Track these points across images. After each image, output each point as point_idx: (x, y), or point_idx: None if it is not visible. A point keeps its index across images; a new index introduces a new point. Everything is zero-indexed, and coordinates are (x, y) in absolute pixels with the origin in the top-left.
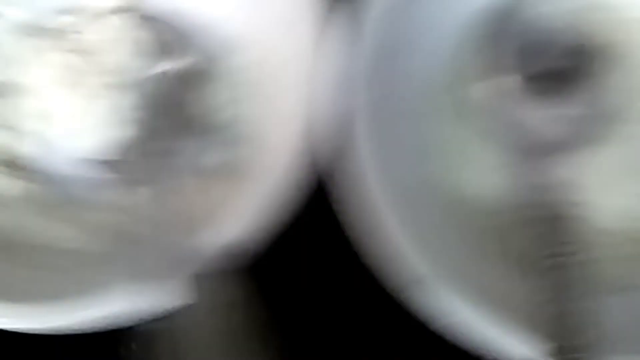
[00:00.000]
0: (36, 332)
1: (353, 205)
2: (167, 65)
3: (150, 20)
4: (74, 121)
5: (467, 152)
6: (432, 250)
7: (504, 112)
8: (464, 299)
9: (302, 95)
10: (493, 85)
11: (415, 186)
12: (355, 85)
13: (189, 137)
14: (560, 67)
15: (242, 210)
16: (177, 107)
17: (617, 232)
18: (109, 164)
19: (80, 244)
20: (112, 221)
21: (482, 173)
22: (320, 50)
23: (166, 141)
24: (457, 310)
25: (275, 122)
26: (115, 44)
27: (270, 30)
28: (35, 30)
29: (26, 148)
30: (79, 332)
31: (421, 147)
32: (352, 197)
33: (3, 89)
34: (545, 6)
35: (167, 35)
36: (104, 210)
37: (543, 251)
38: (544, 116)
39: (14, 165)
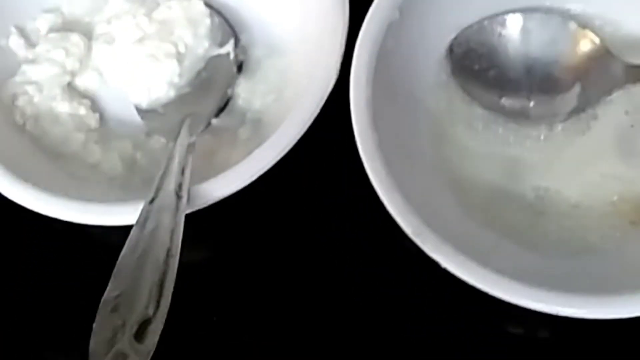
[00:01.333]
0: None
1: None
2: (217, 51)
3: (214, 11)
4: (134, 73)
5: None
6: (427, 211)
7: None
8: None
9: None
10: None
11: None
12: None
13: (216, 110)
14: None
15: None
16: (214, 85)
17: (585, 205)
18: (147, 112)
19: (106, 164)
20: (132, 154)
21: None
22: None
23: (197, 107)
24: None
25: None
26: (183, 23)
27: (308, 40)
28: None
29: (92, 82)
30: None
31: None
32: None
33: (93, 35)
34: None
35: (224, 27)
36: (130, 144)
37: None
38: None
39: (76, 91)
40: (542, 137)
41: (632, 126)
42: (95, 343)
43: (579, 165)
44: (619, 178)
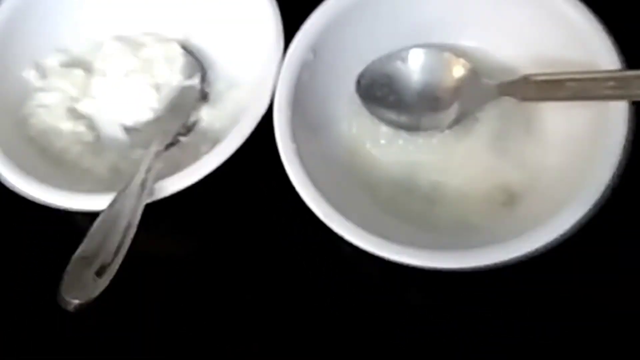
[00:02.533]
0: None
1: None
2: (187, 82)
3: (187, 52)
4: (122, 99)
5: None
6: (340, 203)
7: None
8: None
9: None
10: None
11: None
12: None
13: (183, 128)
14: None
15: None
16: (183, 109)
17: (468, 193)
18: (131, 130)
19: (96, 170)
20: (117, 162)
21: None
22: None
23: (169, 126)
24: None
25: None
26: (162, 60)
27: (255, 77)
28: (123, 40)
29: (90, 106)
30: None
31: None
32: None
33: (92, 70)
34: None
35: (194, 64)
36: (117, 155)
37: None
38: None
39: (77, 113)
40: (435, 142)
41: (502, 128)
42: (67, 277)
43: (463, 161)
44: (493, 170)
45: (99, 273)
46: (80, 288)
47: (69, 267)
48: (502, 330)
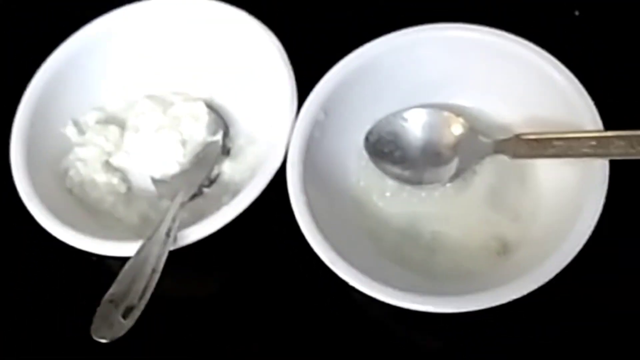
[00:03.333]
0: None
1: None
2: (211, 138)
3: (212, 110)
4: (151, 153)
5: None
6: (347, 251)
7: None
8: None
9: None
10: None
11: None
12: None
13: (207, 180)
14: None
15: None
16: (206, 163)
17: (466, 243)
18: (159, 181)
19: (128, 219)
20: (147, 211)
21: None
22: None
23: (194, 178)
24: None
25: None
26: (188, 118)
27: (273, 134)
28: (154, 99)
29: (123, 160)
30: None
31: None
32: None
33: (126, 126)
34: None
35: (218, 121)
36: (147, 204)
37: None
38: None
39: (111, 166)
40: (436, 194)
41: (497, 182)
42: (97, 318)
43: (462, 213)
44: (489, 222)
45: (125, 315)
46: (108, 328)
47: (98, 309)
48: (502, 330)
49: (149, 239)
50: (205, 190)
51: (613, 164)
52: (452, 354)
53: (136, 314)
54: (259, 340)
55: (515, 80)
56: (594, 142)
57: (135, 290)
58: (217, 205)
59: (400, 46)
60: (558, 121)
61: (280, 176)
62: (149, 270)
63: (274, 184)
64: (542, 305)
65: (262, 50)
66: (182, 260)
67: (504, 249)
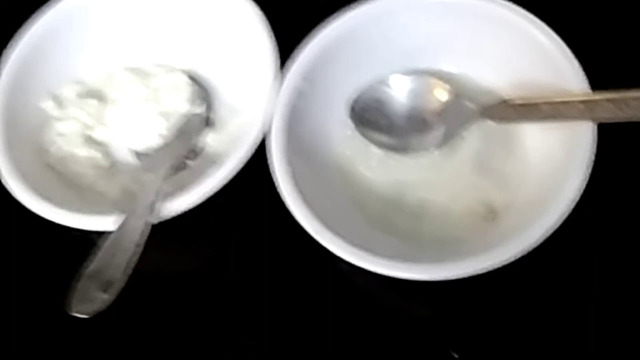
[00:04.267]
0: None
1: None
2: (193, 110)
3: (194, 81)
4: (133, 126)
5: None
6: (334, 221)
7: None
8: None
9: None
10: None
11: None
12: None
13: (190, 153)
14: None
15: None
16: (189, 135)
17: (452, 209)
18: (142, 155)
19: (110, 193)
20: (130, 186)
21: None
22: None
23: (177, 151)
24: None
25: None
26: (170, 90)
27: (255, 105)
28: (134, 71)
29: (105, 134)
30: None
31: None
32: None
33: (106, 99)
34: None
35: (200, 93)
36: (129, 179)
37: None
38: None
39: (93, 141)
40: (423, 162)
41: (484, 148)
42: (74, 292)
43: (449, 179)
44: (476, 187)
45: (106, 289)
46: (88, 303)
47: (78, 284)
48: (490, 296)
49: (131, 213)
50: (190, 163)
51: (601, 128)
52: (441, 320)
53: (117, 288)
54: (243, 314)
55: (501, 43)
56: (581, 106)
57: (117, 264)
58: (201, 178)
59: (382, 12)
60: (545, 85)
61: (264, 147)
62: (131, 244)
63: (258, 155)
64: (529, 271)
65: (243, 20)
66: (164, 232)
67: (491, 215)
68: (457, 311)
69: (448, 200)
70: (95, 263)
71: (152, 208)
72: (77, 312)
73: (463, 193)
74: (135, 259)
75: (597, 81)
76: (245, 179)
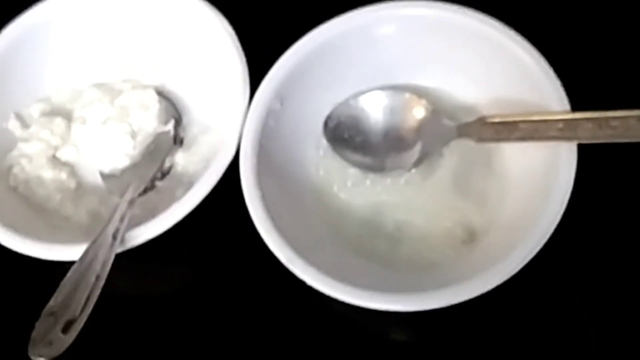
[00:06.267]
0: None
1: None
2: (162, 128)
3: (163, 97)
4: (100, 146)
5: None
6: (305, 246)
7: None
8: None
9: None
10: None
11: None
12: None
13: (159, 173)
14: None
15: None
16: (158, 155)
17: (430, 232)
18: (108, 176)
19: (76, 217)
20: (97, 208)
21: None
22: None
23: (145, 171)
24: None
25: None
26: (138, 107)
27: (227, 123)
28: (101, 88)
29: (71, 154)
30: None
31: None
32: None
33: (72, 118)
34: None
35: (169, 110)
36: (97, 201)
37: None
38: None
39: (58, 161)
40: (401, 182)
41: (464, 166)
42: (34, 334)
43: (427, 201)
44: (454, 209)
45: (65, 329)
46: (47, 346)
47: (37, 324)
48: (470, 322)
49: (94, 242)
50: (158, 183)
51: (581, 147)
52: (419, 347)
53: (77, 328)
54: (214, 340)
55: (480, 59)
56: (561, 125)
57: (77, 300)
58: (170, 200)
59: (356, 27)
60: (524, 102)
61: (235, 167)
62: (92, 277)
63: (228, 175)
64: (510, 296)
65: (213, 36)
66: (131, 258)
67: (470, 237)
68: (437, 337)
69: (426, 223)
70: (54, 299)
71: (115, 237)
72: (35, 356)
73: (441, 214)
74: (96, 293)
75: (578, 100)
76: (217, 201)
